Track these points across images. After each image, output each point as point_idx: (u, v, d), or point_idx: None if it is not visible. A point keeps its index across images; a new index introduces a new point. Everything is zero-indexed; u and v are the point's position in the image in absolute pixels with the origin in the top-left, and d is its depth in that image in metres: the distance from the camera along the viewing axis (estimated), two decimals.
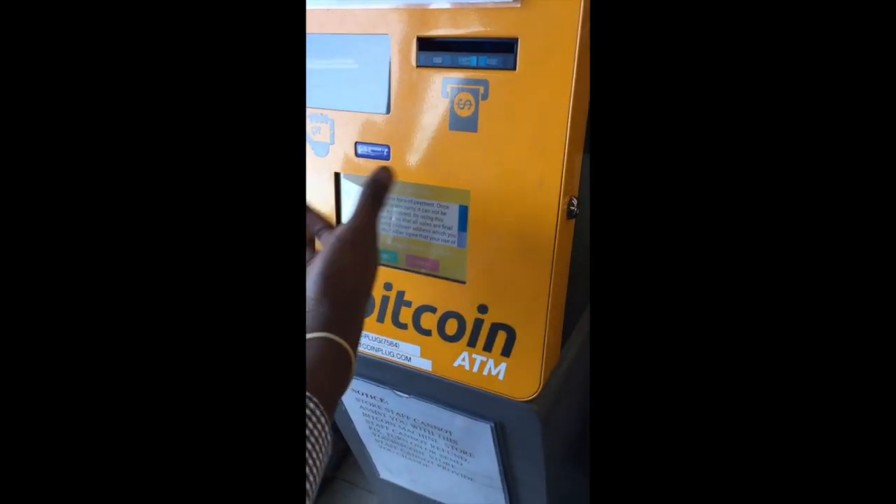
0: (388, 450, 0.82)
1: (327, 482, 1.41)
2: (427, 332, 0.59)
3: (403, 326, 0.60)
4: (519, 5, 0.44)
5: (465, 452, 0.71)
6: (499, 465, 0.69)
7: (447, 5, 0.47)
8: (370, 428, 0.79)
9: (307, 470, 0.33)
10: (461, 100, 0.49)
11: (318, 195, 0.60)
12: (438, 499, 0.87)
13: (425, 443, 0.74)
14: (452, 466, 0.75)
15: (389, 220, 0.58)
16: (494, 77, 0.47)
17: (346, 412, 0.79)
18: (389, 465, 0.87)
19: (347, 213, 0.61)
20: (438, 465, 0.77)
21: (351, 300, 0.43)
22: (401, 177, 0.55)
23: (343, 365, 0.41)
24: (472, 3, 0.46)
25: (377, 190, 0.46)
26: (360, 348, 0.63)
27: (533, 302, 0.52)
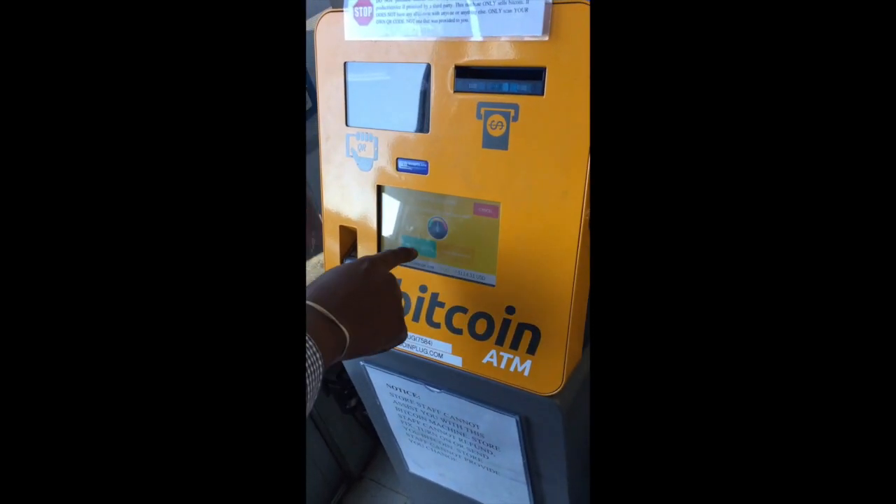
0: (419, 444, 0.87)
1: (355, 482, 1.46)
2: (458, 331, 0.64)
3: (436, 325, 0.66)
4: (547, 38, 0.50)
5: (491, 446, 0.76)
6: (523, 459, 0.73)
7: (482, 38, 0.53)
8: (402, 422, 0.85)
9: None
10: (494, 121, 0.55)
11: (361, 205, 0.67)
12: (465, 493, 0.91)
13: (453, 437, 0.79)
14: (479, 460, 0.80)
15: (431, 227, 0.64)
16: (524, 101, 0.53)
17: (380, 406, 0.85)
18: (419, 460, 0.92)
19: (387, 221, 0.67)
20: (465, 459, 0.82)
21: (355, 312, 0.48)
22: (438, 189, 0.61)
23: (335, 332, 0.46)
24: (505, 37, 0.52)
25: (401, 257, 0.59)
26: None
27: (557, 304, 0.57)
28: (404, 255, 0.60)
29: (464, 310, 0.63)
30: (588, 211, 0.53)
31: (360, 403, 1.27)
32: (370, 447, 1.50)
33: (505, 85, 0.53)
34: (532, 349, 0.60)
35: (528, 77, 0.52)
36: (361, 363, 0.78)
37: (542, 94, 0.52)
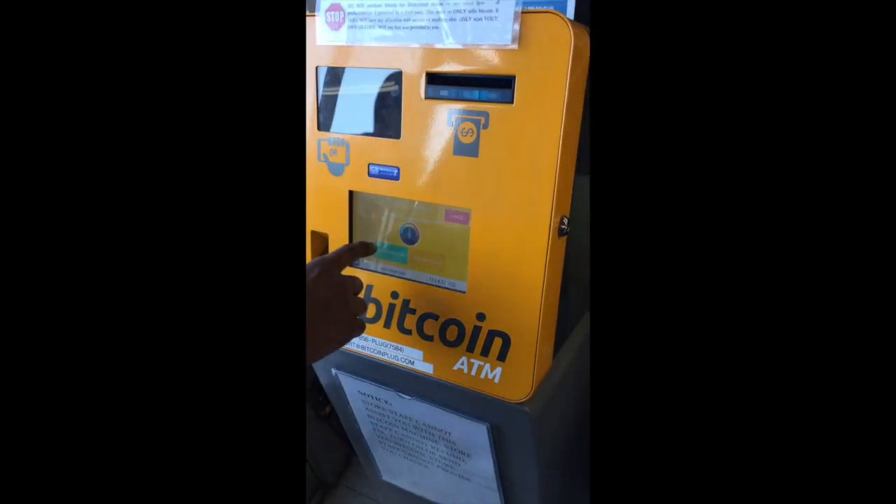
0: (391, 451, 0.86)
1: (330, 489, 1.44)
2: (429, 338, 0.64)
3: (408, 332, 0.65)
4: (516, 47, 0.50)
5: (463, 453, 0.75)
6: (494, 466, 0.73)
7: (454, 46, 0.53)
8: (374, 430, 0.84)
9: None
10: (464, 128, 0.55)
11: (333, 210, 0.66)
12: (438, 500, 0.91)
13: (426, 444, 0.79)
14: (451, 467, 0.80)
15: (403, 233, 0.64)
16: (494, 109, 0.53)
17: (352, 413, 0.84)
18: (391, 467, 0.92)
19: (358, 228, 0.66)
20: (438, 466, 0.81)
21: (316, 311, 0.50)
22: (409, 195, 0.61)
23: None
24: (476, 45, 0.52)
25: (358, 252, 0.60)
26: (368, 352, 0.69)
27: (527, 311, 0.57)
28: (362, 249, 0.59)
29: (435, 316, 0.63)
30: (557, 219, 0.54)
31: (335, 410, 1.26)
32: (346, 454, 1.48)
33: (475, 92, 0.53)
34: (502, 356, 0.60)
35: (498, 85, 0.52)
36: (334, 371, 0.77)
37: (511, 102, 0.52)
